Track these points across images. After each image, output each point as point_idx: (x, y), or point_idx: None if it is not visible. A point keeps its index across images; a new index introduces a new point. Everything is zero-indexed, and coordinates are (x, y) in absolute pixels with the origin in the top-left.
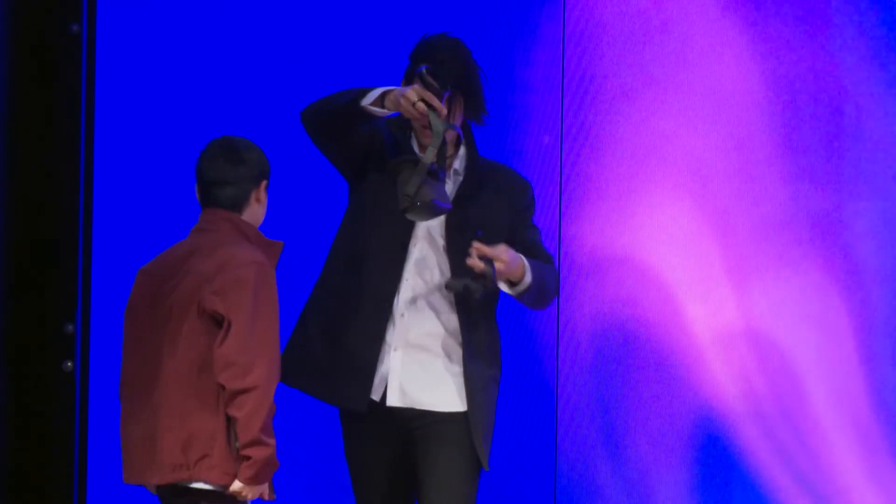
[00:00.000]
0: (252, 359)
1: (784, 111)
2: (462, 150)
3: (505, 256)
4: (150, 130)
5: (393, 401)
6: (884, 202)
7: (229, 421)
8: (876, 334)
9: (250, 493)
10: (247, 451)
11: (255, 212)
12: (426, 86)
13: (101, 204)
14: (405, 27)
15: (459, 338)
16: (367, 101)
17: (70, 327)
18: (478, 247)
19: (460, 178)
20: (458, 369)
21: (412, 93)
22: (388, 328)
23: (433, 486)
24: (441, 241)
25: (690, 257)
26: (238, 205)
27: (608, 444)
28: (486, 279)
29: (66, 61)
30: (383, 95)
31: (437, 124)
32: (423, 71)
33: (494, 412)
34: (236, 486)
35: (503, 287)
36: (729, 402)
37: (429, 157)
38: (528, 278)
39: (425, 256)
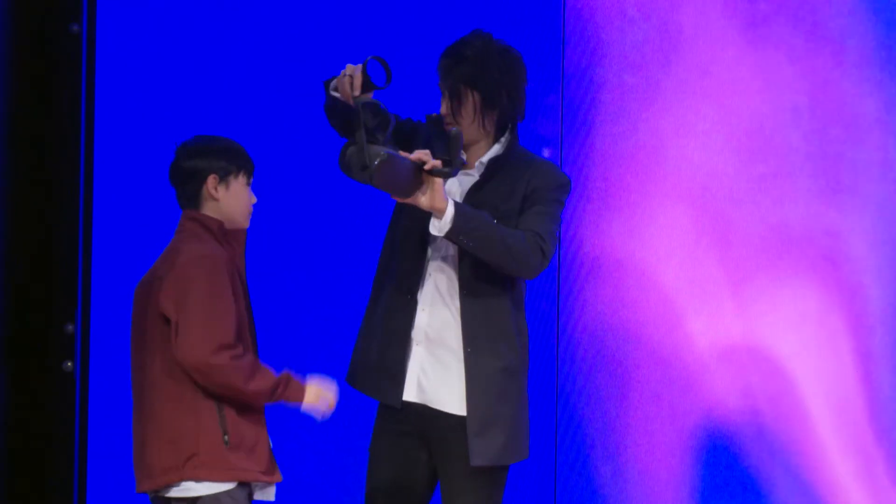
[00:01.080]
0: (206, 357)
1: (784, 116)
2: (496, 147)
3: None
4: (150, 130)
5: (410, 396)
6: (882, 213)
7: (220, 412)
8: (873, 345)
9: (309, 398)
10: (259, 401)
11: (217, 207)
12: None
13: (101, 204)
14: (404, 27)
15: (461, 331)
16: (332, 86)
17: (70, 327)
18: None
19: (483, 170)
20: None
21: (345, 70)
22: (412, 323)
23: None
24: None
25: (691, 259)
26: (194, 203)
27: (608, 444)
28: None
29: (66, 61)
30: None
31: (356, 100)
32: (370, 56)
33: (510, 403)
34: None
35: (434, 230)
36: (728, 404)
37: (359, 136)
38: (450, 210)
39: (444, 250)
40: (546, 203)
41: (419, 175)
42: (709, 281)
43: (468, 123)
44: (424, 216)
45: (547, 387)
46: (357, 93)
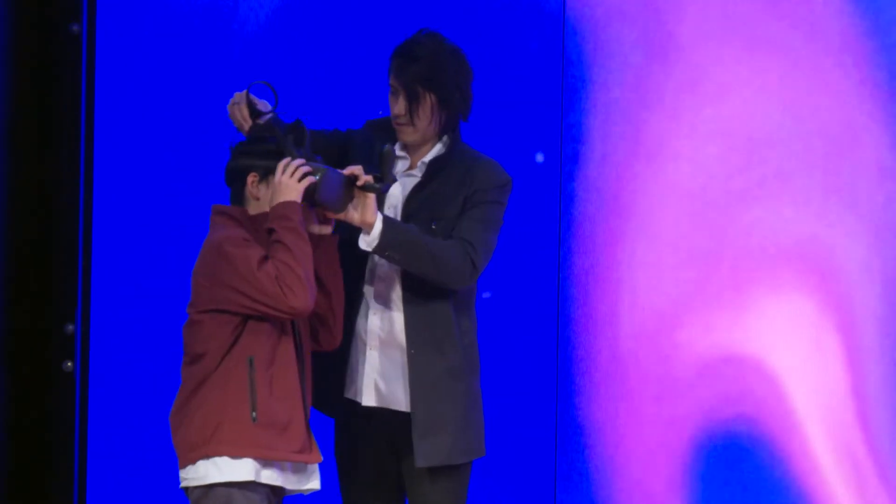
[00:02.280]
0: (283, 301)
1: (781, 119)
2: (438, 147)
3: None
4: (150, 130)
5: (369, 401)
6: (876, 220)
7: (252, 391)
8: (864, 352)
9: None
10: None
11: (259, 206)
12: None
13: (101, 204)
14: (404, 27)
15: (404, 333)
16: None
17: (70, 327)
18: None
19: (424, 170)
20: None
21: (233, 98)
22: (365, 328)
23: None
24: None
25: (689, 259)
26: (239, 202)
27: (608, 444)
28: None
29: (66, 61)
30: None
31: (252, 128)
32: (253, 82)
33: (456, 403)
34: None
35: (363, 244)
36: (724, 406)
37: (291, 155)
38: (378, 226)
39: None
40: (484, 207)
41: (351, 190)
42: (708, 282)
43: (425, 125)
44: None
45: (547, 387)
46: (249, 121)
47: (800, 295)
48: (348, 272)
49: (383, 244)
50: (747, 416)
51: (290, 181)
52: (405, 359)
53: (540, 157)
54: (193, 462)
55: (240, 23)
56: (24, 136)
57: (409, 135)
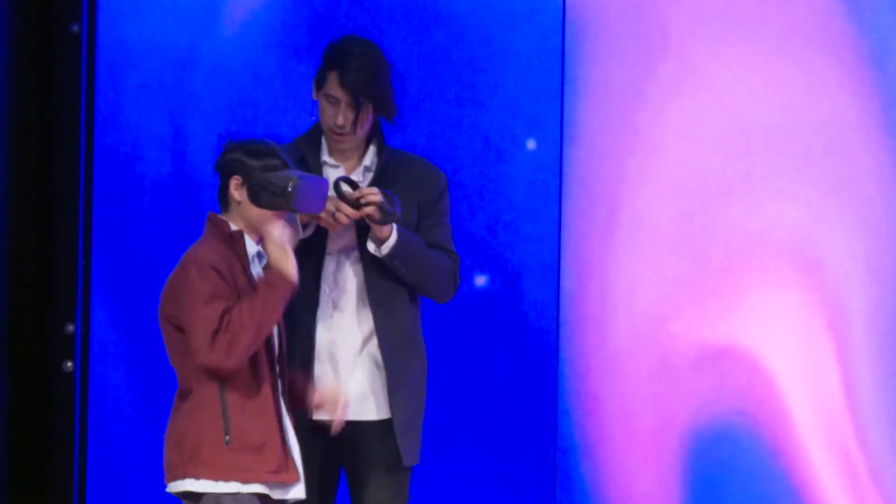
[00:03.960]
0: (208, 359)
1: (777, 118)
2: (371, 148)
3: (376, 197)
4: (150, 131)
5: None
6: (865, 215)
7: (224, 413)
8: (855, 346)
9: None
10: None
11: (239, 210)
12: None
13: (101, 204)
14: (404, 23)
15: (376, 338)
16: None
17: (70, 327)
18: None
19: (371, 174)
20: (379, 372)
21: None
22: (315, 343)
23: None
24: (354, 245)
25: (684, 254)
26: (223, 204)
27: (608, 443)
28: (385, 212)
29: (66, 61)
30: None
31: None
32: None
33: (423, 403)
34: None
35: (371, 248)
36: (719, 400)
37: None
38: (393, 237)
39: (341, 264)
40: (445, 215)
41: (325, 191)
42: (700, 279)
43: (364, 132)
44: (315, 237)
45: (547, 387)
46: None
47: (793, 290)
48: (303, 289)
49: (394, 254)
50: (742, 411)
51: (283, 249)
52: (374, 367)
53: (531, 144)
54: (173, 480)
55: (240, 22)
56: (24, 137)
57: (348, 143)
